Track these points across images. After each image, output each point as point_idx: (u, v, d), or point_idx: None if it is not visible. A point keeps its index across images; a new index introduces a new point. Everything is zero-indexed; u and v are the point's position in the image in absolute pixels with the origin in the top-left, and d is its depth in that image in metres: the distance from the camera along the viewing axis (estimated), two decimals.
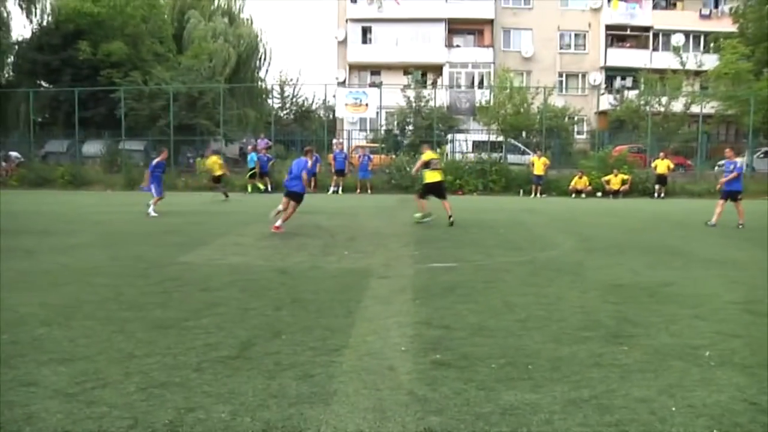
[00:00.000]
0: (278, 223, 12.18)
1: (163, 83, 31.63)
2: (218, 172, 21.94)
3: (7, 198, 20.66)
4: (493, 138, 30.34)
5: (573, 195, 24.94)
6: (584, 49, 44.23)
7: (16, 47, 39.72)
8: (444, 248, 10.40)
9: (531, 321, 5.81)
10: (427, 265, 8.78)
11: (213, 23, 42.11)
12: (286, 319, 5.84)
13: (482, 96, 34.09)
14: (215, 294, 6.89)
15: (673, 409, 3.79)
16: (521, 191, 25.65)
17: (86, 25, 36.03)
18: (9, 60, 40.05)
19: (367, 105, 31.50)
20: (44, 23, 39.32)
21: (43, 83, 38.05)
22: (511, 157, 29.45)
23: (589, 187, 25.15)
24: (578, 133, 37.09)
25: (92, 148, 31.77)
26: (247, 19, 48.95)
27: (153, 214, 15.58)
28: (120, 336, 5.30)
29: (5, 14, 39.09)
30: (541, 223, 15.03)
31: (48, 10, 39.64)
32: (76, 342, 5.13)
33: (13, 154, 30.43)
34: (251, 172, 25.73)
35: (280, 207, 12.53)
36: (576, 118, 36.15)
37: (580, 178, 25.29)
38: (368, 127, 35.94)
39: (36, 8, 39.63)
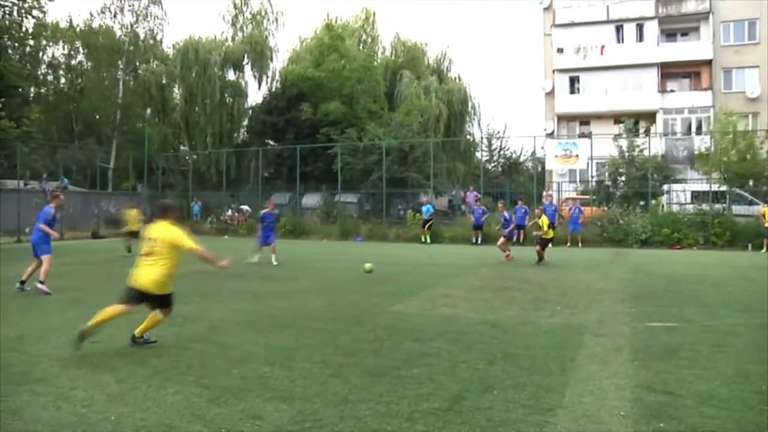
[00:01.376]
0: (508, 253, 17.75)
1: (377, 139, 33.23)
2: (135, 227, 19.53)
3: (237, 245, 22.67)
4: (714, 187, 28.02)
5: None
6: None
7: (250, 111, 44.36)
8: (663, 306, 9.70)
9: None
10: (645, 324, 8.22)
11: (424, 81, 43.77)
12: (497, 374, 5.73)
13: (701, 142, 31.74)
14: (426, 344, 6.96)
15: None
16: (750, 246, 23.31)
17: (308, 88, 39.29)
18: (244, 123, 44.83)
19: (577, 156, 30.67)
20: (273, 89, 43.56)
21: (270, 142, 41.79)
22: (737, 208, 26.95)
23: None
24: None
25: (311, 200, 34.12)
26: (456, 77, 50.32)
27: (254, 260, 16.60)
28: (335, 380, 5.53)
29: (243, 84, 43.94)
30: None
31: (276, 77, 43.96)
32: (296, 382, 5.45)
33: (244, 207, 33.48)
34: (427, 223, 26.52)
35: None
36: None
37: None
38: (578, 179, 34.94)
39: (266, 76, 44.15)
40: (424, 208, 27.52)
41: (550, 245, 17.70)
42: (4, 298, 10.47)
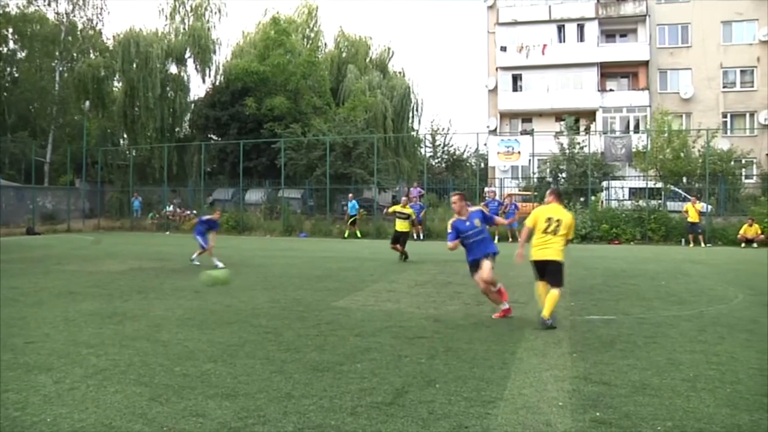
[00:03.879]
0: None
1: (321, 134, 33.13)
2: None
3: (178, 241, 22.36)
4: (651, 184, 28.89)
5: (743, 244, 23.13)
6: (752, 86, 41.02)
7: (192, 105, 43.58)
8: (601, 300, 9.98)
9: (700, 381, 5.39)
10: (583, 317, 8.45)
11: (368, 76, 43.78)
12: (439, 368, 5.81)
13: (639, 141, 32.69)
14: (369, 339, 7.00)
15: None
16: (683, 240, 24.16)
17: (252, 82, 38.87)
18: (187, 117, 44.01)
19: (519, 153, 31.08)
20: (216, 83, 42.90)
21: (213, 137, 41.19)
22: (671, 204, 27.87)
23: (762, 236, 23.19)
24: (747, 177, 34.39)
25: (254, 195, 33.78)
26: (399, 72, 50.48)
27: (196, 262, 15.57)
28: (279, 376, 5.52)
29: (186, 77, 43.13)
30: (707, 274, 14.02)
31: (220, 71, 43.29)
32: (239, 379, 5.42)
33: (188, 212, 33.01)
34: (351, 219, 27.02)
35: None
36: (744, 161, 33.68)
37: (751, 225, 23.44)
38: (520, 175, 35.53)
39: (210, 70, 43.41)
40: (349, 204, 27.71)
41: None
42: None
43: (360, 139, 32.57)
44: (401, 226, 16.71)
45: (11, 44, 43.84)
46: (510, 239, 24.98)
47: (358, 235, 27.20)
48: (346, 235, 27.30)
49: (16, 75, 43.62)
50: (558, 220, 7.99)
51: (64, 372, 5.66)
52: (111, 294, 10.46)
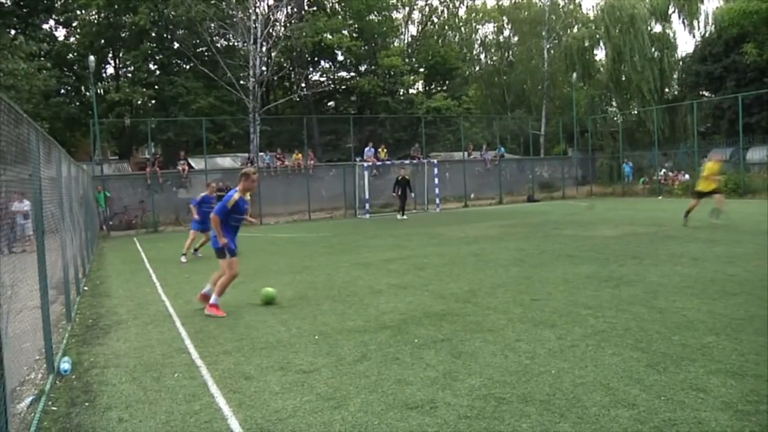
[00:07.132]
0: None
1: None
2: (705, 187, 15.75)
3: (671, 206, 21.68)
4: None
5: None
6: None
7: (681, 63, 41.47)
8: None
9: None
10: None
11: None
12: None
13: None
14: None
15: None
16: None
17: (751, 25, 34.75)
18: (675, 76, 42.15)
19: None
20: (705, 34, 39.81)
21: (705, 93, 38.51)
22: None
23: None
24: None
25: (757, 154, 30.50)
26: None
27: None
28: None
29: (671, 34, 41.18)
30: None
31: (709, 21, 40.02)
32: (746, 357, 4.99)
33: (683, 175, 31.56)
34: None
35: None
36: None
37: None
38: None
39: (697, 22, 40.52)
40: None
41: None
42: (457, 257, 11.76)
43: None
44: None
45: (506, 32, 48.42)
46: None
47: None
48: None
49: (512, 59, 47.85)
50: None
51: (565, 330, 6.05)
52: (606, 258, 10.70)
